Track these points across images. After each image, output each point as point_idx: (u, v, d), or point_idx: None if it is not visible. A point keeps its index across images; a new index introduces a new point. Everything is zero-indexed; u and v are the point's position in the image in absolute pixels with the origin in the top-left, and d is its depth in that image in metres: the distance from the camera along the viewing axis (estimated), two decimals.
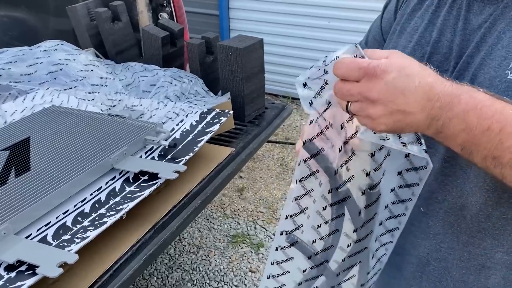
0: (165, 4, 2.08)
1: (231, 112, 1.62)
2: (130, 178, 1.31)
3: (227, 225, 2.92)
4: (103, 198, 1.22)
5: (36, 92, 1.73)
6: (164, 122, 1.56)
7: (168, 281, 2.49)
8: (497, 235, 0.79)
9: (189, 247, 2.74)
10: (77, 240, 1.05)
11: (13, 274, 0.95)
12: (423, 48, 0.85)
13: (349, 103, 0.64)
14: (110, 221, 1.12)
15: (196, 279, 2.50)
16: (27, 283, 0.92)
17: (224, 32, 4.50)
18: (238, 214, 3.02)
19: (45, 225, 1.11)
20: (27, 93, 1.71)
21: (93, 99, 1.65)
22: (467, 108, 0.61)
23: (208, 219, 3.00)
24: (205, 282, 2.47)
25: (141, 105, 1.68)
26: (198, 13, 4.52)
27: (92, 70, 1.70)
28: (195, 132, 1.54)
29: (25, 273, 0.95)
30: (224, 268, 2.57)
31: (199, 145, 1.46)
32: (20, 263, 0.97)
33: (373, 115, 0.62)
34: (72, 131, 1.47)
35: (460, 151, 0.65)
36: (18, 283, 0.92)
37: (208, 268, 2.57)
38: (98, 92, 1.66)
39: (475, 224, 0.80)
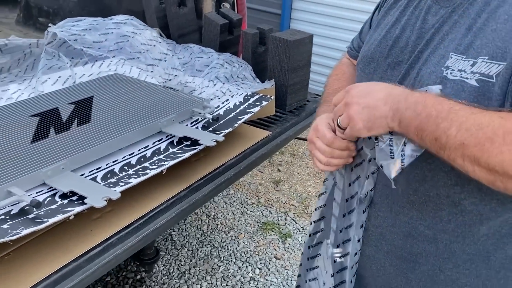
0: None
1: (273, 97, 1.74)
2: (175, 142, 1.46)
3: (259, 212, 3.04)
4: (148, 154, 1.38)
5: (103, 61, 1.93)
6: (211, 99, 1.71)
7: (198, 254, 2.65)
8: (421, 209, 0.92)
9: (221, 226, 2.90)
10: (121, 184, 1.21)
11: (65, 201, 1.13)
12: (387, 41, 0.99)
13: (338, 121, 0.88)
14: (152, 172, 1.27)
15: (223, 257, 2.64)
16: (76, 209, 1.09)
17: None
18: (271, 204, 3.14)
19: (96, 169, 1.28)
20: (96, 60, 1.93)
21: (152, 71, 1.83)
22: (417, 100, 0.78)
23: (242, 204, 3.14)
24: (231, 261, 2.61)
25: (193, 82, 1.84)
26: (261, 11, 4.67)
27: (154, 45, 1.88)
28: (237, 111, 1.67)
29: (75, 202, 1.12)
30: (251, 251, 2.69)
31: (239, 122, 1.59)
32: (72, 193, 1.14)
33: (351, 114, 0.83)
34: (130, 96, 1.65)
35: (417, 139, 0.79)
36: (69, 209, 1.09)
37: (236, 248, 2.70)
38: (158, 66, 1.83)
39: (405, 196, 0.93)
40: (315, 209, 1.16)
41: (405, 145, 0.82)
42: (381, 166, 0.86)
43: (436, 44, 0.87)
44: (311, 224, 1.17)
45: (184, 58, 1.97)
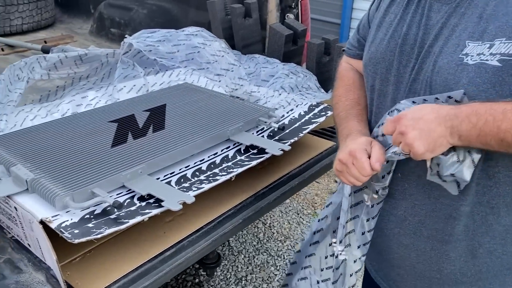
0: (293, 6, 2.27)
1: None
2: (242, 150, 1.50)
3: None
4: (217, 161, 1.43)
5: (173, 70, 2.02)
6: (276, 109, 1.74)
7: (254, 262, 2.68)
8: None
9: (277, 235, 2.91)
10: (194, 189, 1.26)
11: (143, 204, 1.19)
12: (396, 40, 1.04)
13: (400, 151, 0.92)
14: (222, 179, 1.31)
15: (280, 265, 2.65)
16: (153, 212, 1.15)
17: (343, 41, 4.60)
18: None
19: (170, 173, 1.34)
20: (166, 70, 2.02)
21: (219, 81, 1.89)
22: (468, 113, 0.85)
23: (298, 214, 3.14)
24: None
25: (259, 92, 1.88)
26: (320, 21, 4.68)
27: (222, 56, 1.94)
28: (302, 120, 1.69)
29: (153, 205, 1.18)
30: None
31: (304, 131, 1.60)
32: (150, 196, 1.20)
33: (410, 142, 0.87)
34: (200, 105, 1.71)
35: (481, 145, 0.86)
36: (147, 211, 1.15)
37: (292, 258, 2.71)
38: (225, 76, 1.89)
39: None
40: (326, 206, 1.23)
41: (469, 152, 0.90)
42: (452, 174, 0.91)
43: (447, 36, 0.94)
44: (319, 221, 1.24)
45: (250, 68, 2.02)
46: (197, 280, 2.50)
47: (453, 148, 0.89)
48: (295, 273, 1.33)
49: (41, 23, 3.46)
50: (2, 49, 2.96)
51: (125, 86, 1.82)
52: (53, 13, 3.63)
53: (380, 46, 1.08)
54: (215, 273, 2.54)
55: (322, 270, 1.23)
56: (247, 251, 2.76)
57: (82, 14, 3.68)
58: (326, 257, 1.22)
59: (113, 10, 3.23)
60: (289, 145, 1.51)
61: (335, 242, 1.17)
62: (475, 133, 0.84)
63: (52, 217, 1.08)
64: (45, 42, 3.13)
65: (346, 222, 1.12)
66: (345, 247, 1.14)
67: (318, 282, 1.24)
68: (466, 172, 0.90)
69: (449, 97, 0.89)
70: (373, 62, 1.09)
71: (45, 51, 2.69)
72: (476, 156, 0.90)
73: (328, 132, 1.88)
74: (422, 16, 1.01)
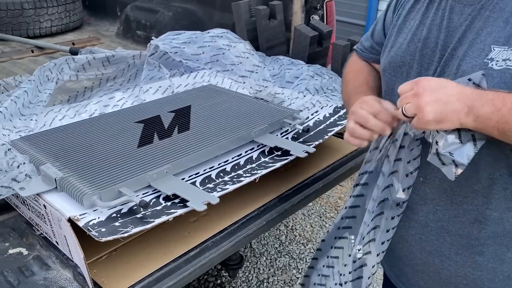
0: (318, 8, 2.25)
1: None
2: (266, 151, 1.50)
3: None
4: (241, 163, 1.43)
5: (198, 72, 2.04)
6: (301, 110, 1.73)
7: (276, 264, 2.67)
8: (486, 194, 0.95)
9: (299, 238, 2.89)
10: (218, 189, 1.26)
11: (169, 203, 1.20)
12: (415, 44, 1.03)
13: (403, 108, 0.87)
14: (246, 180, 1.31)
15: (302, 268, 2.63)
16: (179, 212, 1.15)
17: None
18: None
19: (195, 174, 1.35)
20: (191, 71, 2.03)
21: (244, 83, 1.89)
22: (494, 97, 0.82)
23: (321, 217, 3.12)
24: None
25: (283, 93, 1.87)
26: (345, 22, 4.65)
27: (247, 58, 1.94)
28: (327, 123, 1.67)
29: (178, 205, 1.19)
30: None
31: (329, 134, 1.59)
32: (175, 196, 1.21)
33: (421, 105, 0.83)
34: (224, 106, 1.71)
35: (497, 133, 0.83)
36: (172, 210, 1.16)
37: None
38: (249, 77, 1.89)
39: (468, 186, 0.96)
40: (351, 196, 1.19)
41: (473, 137, 0.87)
42: (450, 153, 0.88)
43: (472, 40, 0.92)
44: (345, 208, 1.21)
45: (274, 70, 2.01)
46: (219, 281, 2.51)
47: (457, 130, 0.87)
48: (320, 259, 1.30)
49: (69, 25, 3.54)
50: (32, 51, 3.04)
51: (151, 87, 1.84)
52: (81, 16, 3.70)
53: (399, 50, 1.07)
54: (237, 275, 2.55)
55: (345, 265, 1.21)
56: (269, 253, 2.75)
57: (109, 16, 3.75)
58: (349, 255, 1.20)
59: (139, 12, 3.27)
60: (313, 147, 1.50)
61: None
62: (495, 117, 0.82)
63: (80, 215, 1.10)
64: (73, 44, 3.20)
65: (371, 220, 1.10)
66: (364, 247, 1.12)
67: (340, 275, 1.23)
68: (465, 155, 0.87)
69: (469, 79, 0.87)
70: (392, 66, 1.08)
71: (73, 52, 2.75)
72: (480, 142, 0.87)
73: None
74: (443, 19, 0.99)
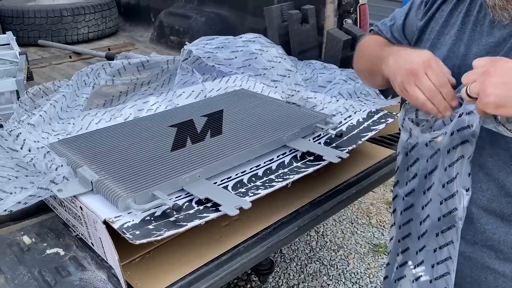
0: (351, 11, 2.23)
1: (399, 115, 1.68)
2: (298, 156, 1.48)
3: (370, 233, 2.94)
4: (273, 167, 1.42)
5: (230, 77, 2.04)
6: (333, 115, 1.71)
7: (306, 270, 2.64)
8: None
9: (330, 244, 2.85)
10: (250, 194, 1.26)
11: (201, 207, 1.20)
12: (453, 61, 0.96)
13: (467, 88, 0.78)
14: (278, 185, 1.30)
15: (332, 275, 2.59)
16: (211, 216, 1.15)
17: None
18: (384, 226, 3.01)
19: (227, 178, 1.35)
20: (223, 76, 2.04)
21: (276, 87, 1.89)
22: None
23: (352, 223, 3.06)
24: (340, 280, 2.55)
25: (315, 98, 1.86)
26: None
27: (279, 62, 1.94)
28: (361, 128, 1.64)
29: (210, 209, 1.19)
30: (361, 272, 2.61)
31: (363, 139, 1.56)
32: (207, 200, 1.22)
33: (486, 84, 0.75)
34: (256, 110, 1.71)
35: None
36: (205, 214, 1.16)
37: (345, 268, 2.64)
38: (281, 82, 1.89)
39: None
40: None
41: None
42: None
43: None
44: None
45: (306, 74, 2.00)
46: (248, 286, 2.50)
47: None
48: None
49: (105, 31, 3.64)
50: (70, 56, 3.14)
51: (184, 92, 1.86)
52: (117, 22, 3.80)
53: None
54: (267, 280, 2.53)
55: None
56: (299, 259, 2.73)
57: (143, 22, 3.83)
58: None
59: (173, 18, 3.33)
60: (347, 152, 1.47)
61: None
62: None
63: (115, 217, 1.11)
64: (109, 49, 3.29)
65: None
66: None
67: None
68: None
69: None
70: None
71: (109, 58, 2.82)
72: None
73: (387, 140, 1.82)
74: (482, 35, 0.93)
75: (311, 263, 2.69)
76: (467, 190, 0.90)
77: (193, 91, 1.87)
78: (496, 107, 0.75)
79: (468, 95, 0.79)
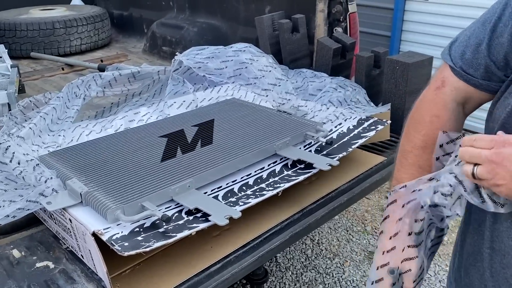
0: (341, 20, 2.24)
1: (389, 122, 1.69)
2: (289, 164, 1.48)
3: (366, 241, 2.94)
4: (264, 176, 1.42)
5: (221, 86, 2.05)
6: (324, 123, 1.71)
7: (302, 279, 2.63)
8: None
9: (325, 252, 2.84)
10: (240, 203, 1.26)
11: (191, 218, 1.20)
12: None
13: (475, 168, 0.74)
14: (268, 194, 1.30)
15: (328, 283, 2.58)
16: (201, 226, 1.15)
17: (393, 53, 4.51)
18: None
19: (218, 188, 1.35)
20: (215, 86, 2.05)
21: (267, 96, 1.89)
22: None
23: (347, 231, 3.06)
24: None
25: (306, 106, 1.86)
26: (370, 34, 4.61)
27: (270, 71, 1.95)
28: (351, 135, 1.65)
29: (200, 219, 1.19)
30: (357, 280, 2.60)
31: (353, 146, 1.57)
32: (197, 210, 1.21)
33: (499, 180, 0.71)
34: (247, 120, 1.71)
35: None
36: (194, 225, 1.16)
37: (341, 276, 2.63)
38: (272, 90, 1.89)
39: None
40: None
41: None
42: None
43: None
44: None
45: (297, 83, 2.01)
46: None
47: None
48: None
49: (98, 43, 3.64)
50: (63, 68, 3.14)
51: (175, 102, 1.86)
52: (109, 33, 3.81)
53: None
54: None
55: None
56: (295, 268, 2.71)
57: (136, 33, 3.84)
58: None
59: (165, 29, 3.34)
60: (337, 160, 1.48)
61: None
62: None
63: (104, 229, 1.11)
64: (101, 61, 3.29)
65: None
66: None
67: None
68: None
69: None
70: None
71: (101, 69, 2.82)
72: None
73: (378, 147, 1.83)
74: None
75: (306, 271, 2.68)
76: None
77: (184, 101, 1.87)
78: (507, 194, 0.73)
79: (474, 175, 0.75)
